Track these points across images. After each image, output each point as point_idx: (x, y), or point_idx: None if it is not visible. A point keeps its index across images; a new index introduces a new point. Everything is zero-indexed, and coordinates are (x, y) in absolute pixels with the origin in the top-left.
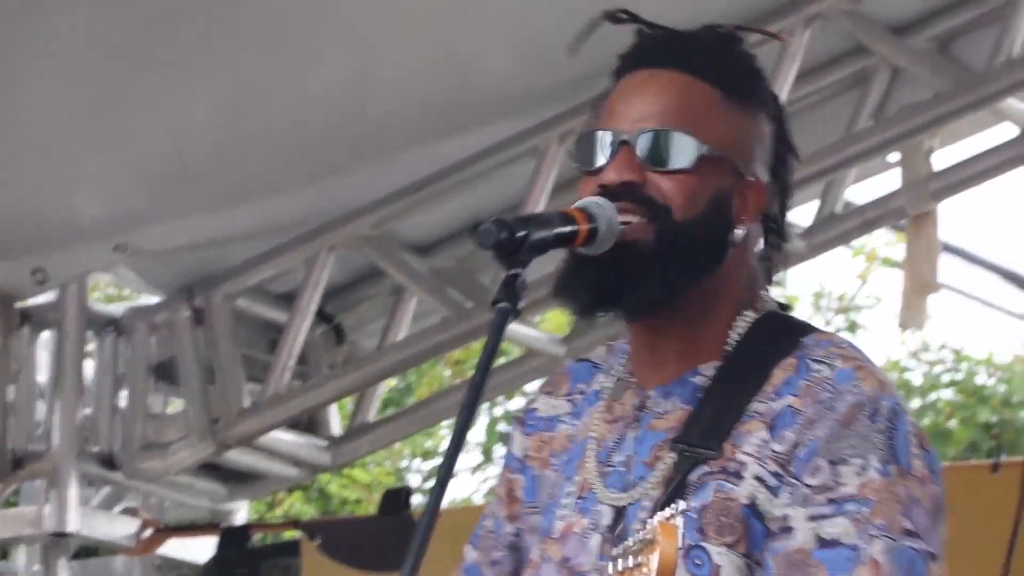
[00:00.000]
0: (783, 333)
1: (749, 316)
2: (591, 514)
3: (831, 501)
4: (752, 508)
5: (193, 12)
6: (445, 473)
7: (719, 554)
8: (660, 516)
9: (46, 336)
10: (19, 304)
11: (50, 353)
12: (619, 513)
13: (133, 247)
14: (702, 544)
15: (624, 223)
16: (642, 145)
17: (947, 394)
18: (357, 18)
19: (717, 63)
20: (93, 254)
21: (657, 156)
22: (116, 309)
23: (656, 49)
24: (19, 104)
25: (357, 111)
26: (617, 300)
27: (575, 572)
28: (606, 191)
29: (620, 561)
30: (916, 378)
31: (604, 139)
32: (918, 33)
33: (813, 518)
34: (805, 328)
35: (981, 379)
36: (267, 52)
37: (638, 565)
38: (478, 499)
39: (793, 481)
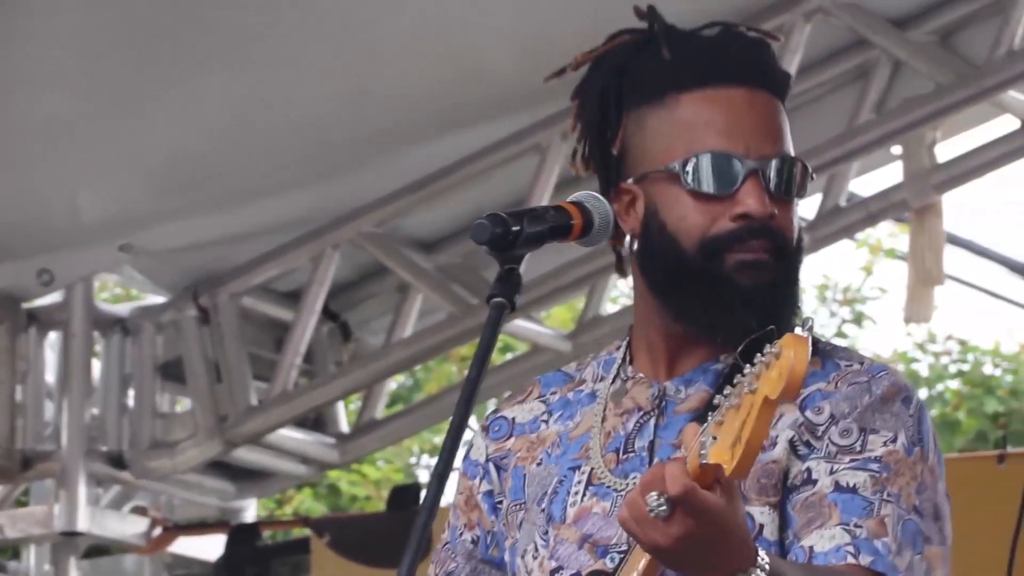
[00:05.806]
0: None
1: None
2: (610, 498)
3: (854, 460)
4: (784, 472)
5: (196, 12)
6: (443, 468)
7: (762, 514)
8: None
9: (53, 337)
10: (26, 305)
11: (57, 353)
12: None
13: (138, 247)
14: (744, 507)
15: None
16: (771, 175)
17: (954, 385)
18: (360, 19)
19: (779, 76)
20: (98, 255)
21: (784, 186)
22: (122, 309)
23: (743, 65)
24: (20, 106)
25: (360, 110)
26: (773, 324)
27: (599, 546)
28: (750, 225)
29: (727, 402)
30: (923, 369)
31: (731, 164)
32: (919, 26)
33: (835, 471)
34: (816, 338)
35: (988, 369)
36: (270, 53)
37: (751, 391)
38: None
39: (823, 442)
